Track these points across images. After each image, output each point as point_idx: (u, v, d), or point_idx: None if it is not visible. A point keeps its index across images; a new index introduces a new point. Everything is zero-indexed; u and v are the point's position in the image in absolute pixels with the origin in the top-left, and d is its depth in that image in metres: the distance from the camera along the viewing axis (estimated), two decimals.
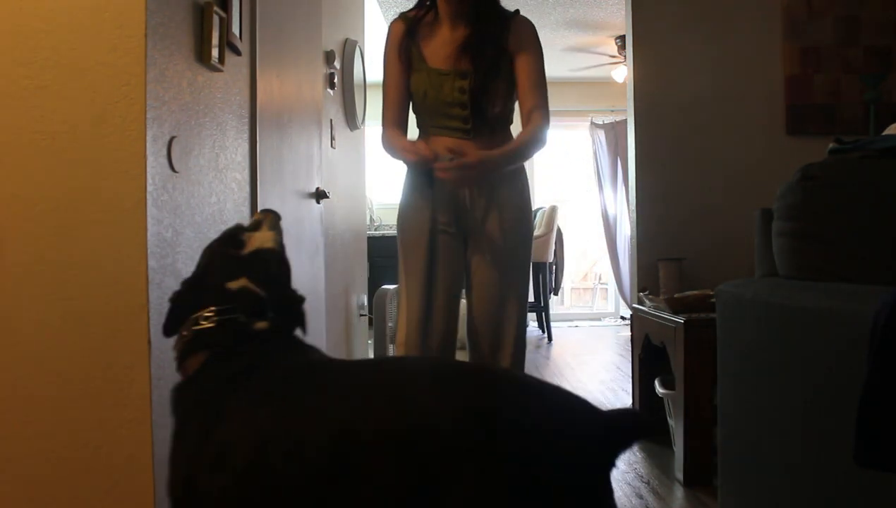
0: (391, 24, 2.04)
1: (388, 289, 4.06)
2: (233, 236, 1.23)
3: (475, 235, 1.97)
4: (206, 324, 1.09)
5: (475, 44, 1.89)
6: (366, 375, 1.02)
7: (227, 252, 1.20)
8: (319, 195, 2.93)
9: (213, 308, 1.10)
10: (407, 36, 1.98)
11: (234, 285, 1.13)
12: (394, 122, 2.01)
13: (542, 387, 0.95)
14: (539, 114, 1.93)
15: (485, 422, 0.86)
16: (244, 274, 1.14)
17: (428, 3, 1.98)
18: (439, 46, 1.94)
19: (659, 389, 2.73)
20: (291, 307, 1.20)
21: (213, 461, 0.96)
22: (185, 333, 1.11)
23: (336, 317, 3.54)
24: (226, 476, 0.94)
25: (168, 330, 1.16)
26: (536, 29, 1.97)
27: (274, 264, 1.21)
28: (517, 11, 1.98)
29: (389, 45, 2.03)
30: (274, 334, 1.12)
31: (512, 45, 1.92)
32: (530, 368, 4.80)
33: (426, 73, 1.94)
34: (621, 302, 7.53)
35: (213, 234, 1.98)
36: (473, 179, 1.84)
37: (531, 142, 1.90)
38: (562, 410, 0.91)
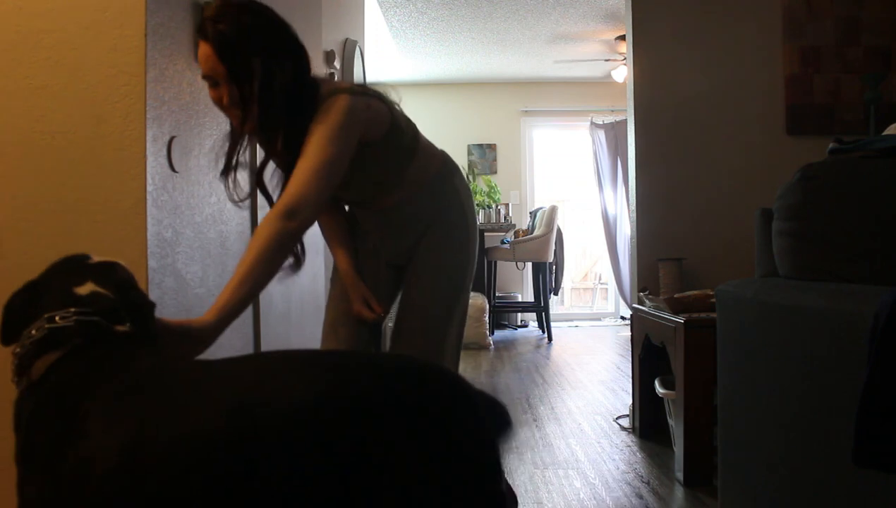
0: None
1: None
2: (76, 256, 1.18)
3: (404, 263, 1.84)
4: (62, 323, 1.02)
5: (279, 165, 1.58)
6: (236, 368, 1.02)
7: (71, 260, 1.15)
8: None
9: (71, 309, 1.04)
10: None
11: (82, 289, 1.08)
12: None
13: (415, 367, 1.00)
14: (284, 197, 1.43)
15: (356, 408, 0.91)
16: (90, 279, 1.10)
17: None
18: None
19: (659, 389, 2.73)
20: (141, 311, 1.14)
21: (74, 475, 0.89)
22: (34, 332, 1.02)
23: None
24: (91, 487, 0.88)
25: (6, 336, 1.06)
26: (351, 104, 1.51)
27: (120, 270, 1.17)
28: (336, 92, 1.53)
29: None
30: (131, 337, 1.08)
31: None
32: (530, 368, 4.80)
33: None
34: (621, 302, 7.53)
35: (213, 235, 1.98)
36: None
37: (258, 264, 1.36)
38: (444, 391, 0.97)
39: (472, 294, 2.00)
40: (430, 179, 1.78)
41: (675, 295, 2.70)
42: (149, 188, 1.61)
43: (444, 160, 1.83)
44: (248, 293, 1.35)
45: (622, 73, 6.47)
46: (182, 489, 0.88)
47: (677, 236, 3.24)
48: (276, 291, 2.54)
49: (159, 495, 0.87)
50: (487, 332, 5.76)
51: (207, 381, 0.98)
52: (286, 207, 1.41)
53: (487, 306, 5.80)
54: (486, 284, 6.17)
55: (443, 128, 7.30)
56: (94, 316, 1.04)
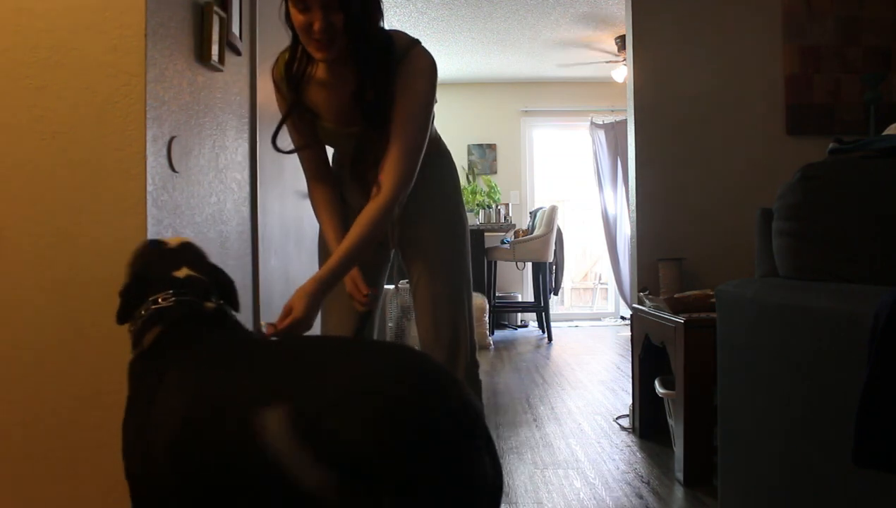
0: (272, 73, 1.71)
1: (388, 288, 4.07)
2: (153, 242, 1.39)
3: (404, 246, 1.84)
4: (164, 303, 1.23)
5: (362, 104, 1.58)
6: (288, 350, 1.12)
7: (159, 248, 1.35)
8: None
9: (170, 291, 1.24)
10: (292, 91, 1.65)
11: (179, 273, 1.29)
12: (314, 176, 1.77)
13: (416, 361, 1.02)
14: (388, 184, 1.56)
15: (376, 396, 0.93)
16: (184, 264, 1.30)
17: (300, 53, 1.61)
18: (327, 98, 1.65)
19: (659, 389, 2.73)
20: (227, 289, 1.37)
21: (155, 424, 1.07)
22: (143, 312, 1.24)
23: None
24: (161, 440, 1.04)
25: (121, 317, 1.29)
26: (432, 61, 1.64)
27: (200, 252, 1.37)
28: (412, 45, 1.63)
29: (279, 99, 1.72)
30: (219, 313, 1.27)
31: (398, 88, 1.59)
32: (530, 368, 4.80)
33: (322, 129, 1.72)
34: (621, 302, 7.53)
35: (213, 235, 1.98)
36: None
37: (370, 229, 1.54)
38: (429, 382, 0.98)
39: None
40: (430, 150, 1.77)
41: (675, 295, 2.70)
42: (149, 188, 1.61)
43: (438, 136, 1.90)
44: (350, 265, 1.55)
45: (622, 72, 6.47)
46: (215, 460, 0.98)
47: (677, 236, 3.24)
48: (276, 290, 2.54)
49: (205, 465, 0.99)
50: (487, 332, 5.76)
51: (248, 363, 1.09)
52: (399, 194, 1.57)
53: (487, 306, 5.80)
54: (486, 284, 6.17)
55: (443, 128, 7.23)
56: (189, 296, 1.25)
